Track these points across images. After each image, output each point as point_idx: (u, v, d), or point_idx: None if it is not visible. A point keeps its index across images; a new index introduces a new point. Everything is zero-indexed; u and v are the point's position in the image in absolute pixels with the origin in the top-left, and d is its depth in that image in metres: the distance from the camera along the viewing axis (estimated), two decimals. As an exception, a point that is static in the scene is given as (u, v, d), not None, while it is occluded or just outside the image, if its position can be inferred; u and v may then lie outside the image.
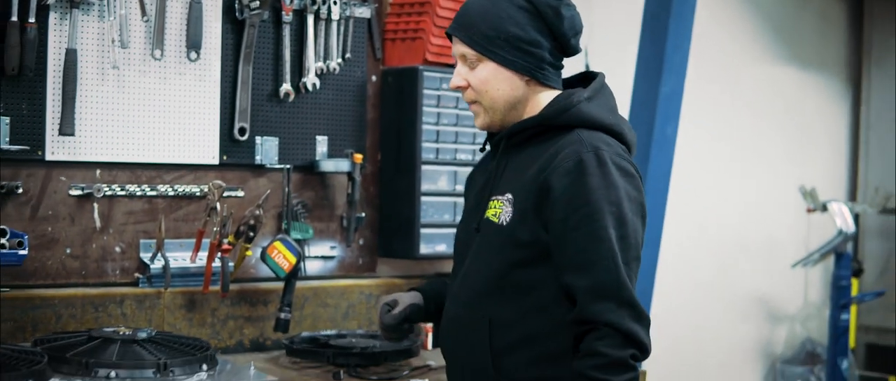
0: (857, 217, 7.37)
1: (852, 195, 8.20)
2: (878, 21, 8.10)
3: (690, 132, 6.26)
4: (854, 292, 7.35)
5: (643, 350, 2.82)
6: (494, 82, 3.00)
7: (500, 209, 2.95)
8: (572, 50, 3.04)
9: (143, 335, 3.33)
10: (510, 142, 3.05)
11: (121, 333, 3.26)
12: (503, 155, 3.06)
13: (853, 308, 7.37)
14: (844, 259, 7.15)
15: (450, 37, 3.11)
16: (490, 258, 2.96)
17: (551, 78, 3.03)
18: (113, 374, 3.04)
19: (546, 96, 3.03)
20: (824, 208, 7.22)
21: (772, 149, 7.58)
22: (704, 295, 7.06)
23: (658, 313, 5.67)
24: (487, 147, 3.20)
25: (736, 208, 7.30)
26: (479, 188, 3.12)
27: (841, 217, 7.13)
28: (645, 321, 2.82)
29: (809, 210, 7.32)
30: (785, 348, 7.75)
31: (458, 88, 3.09)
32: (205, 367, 3.20)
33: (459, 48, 3.05)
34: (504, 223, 2.92)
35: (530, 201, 2.90)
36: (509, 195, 2.95)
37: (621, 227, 2.85)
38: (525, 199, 2.91)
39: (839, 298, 7.17)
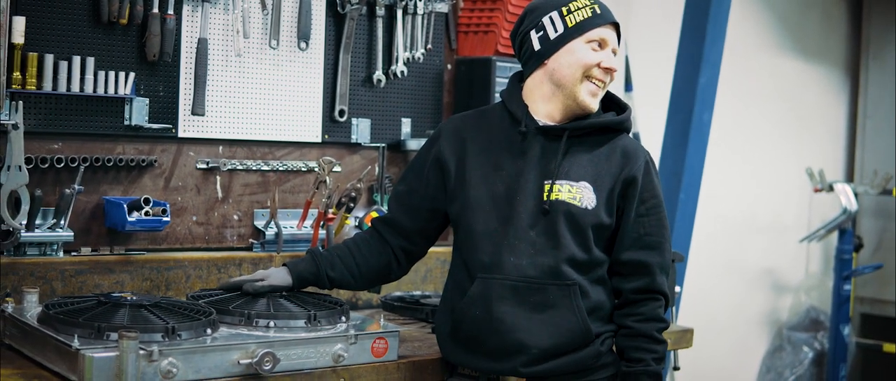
0: (856, 197, 7.74)
1: (850, 177, 8.57)
2: (877, 18, 8.48)
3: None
4: (853, 265, 7.78)
5: None
6: None
7: (579, 194, 3.37)
8: None
9: (273, 292, 3.68)
10: (573, 135, 3.45)
11: (257, 290, 3.58)
12: (563, 145, 3.42)
13: (852, 281, 7.81)
14: (847, 235, 7.59)
15: (601, 21, 3.43)
16: (572, 236, 3.37)
17: None
18: (271, 324, 3.41)
19: None
20: (831, 188, 7.63)
21: (778, 134, 7.93)
22: (720, 267, 7.44)
23: (686, 282, 6.16)
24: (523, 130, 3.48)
25: (746, 189, 7.67)
26: (520, 171, 3.42)
27: (845, 196, 7.55)
28: None
29: (816, 190, 7.72)
30: (790, 315, 8.18)
31: (610, 70, 3.44)
32: (343, 319, 3.60)
33: (616, 41, 3.47)
34: (588, 208, 3.37)
35: (616, 191, 3.41)
36: (586, 183, 3.40)
37: (667, 219, 3.52)
38: (609, 187, 3.40)
39: (842, 270, 7.61)
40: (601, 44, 3.42)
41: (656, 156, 6.18)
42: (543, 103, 3.48)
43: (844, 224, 7.60)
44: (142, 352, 3.01)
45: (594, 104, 3.45)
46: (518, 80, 3.59)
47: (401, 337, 3.77)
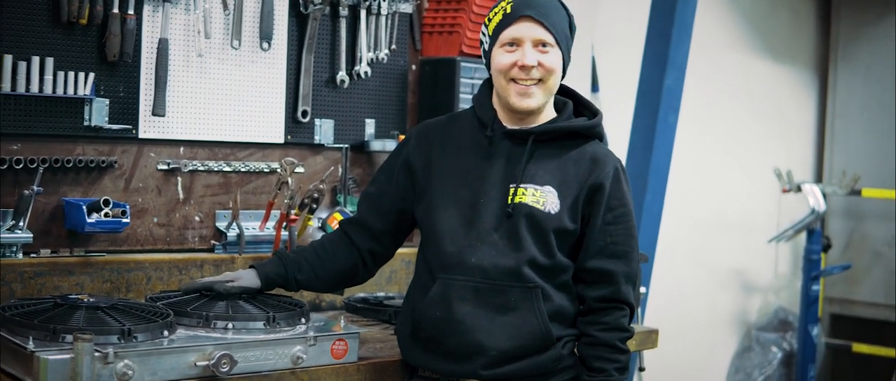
0: (825, 197, 7.75)
1: (819, 178, 8.58)
2: (845, 18, 8.49)
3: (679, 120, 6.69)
4: (822, 266, 7.80)
5: None
6: (557, 71, 3.41)
7: (543, 198, 3.37)
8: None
9: (244, 294, 3.68)
10: (539, 139, 3.44)
11: (228, 290, 3.59)
12: (529, 149, 3.41)
13: (821, 281, 7.82)
14: (815, 235, 7.60)
15: (510, 20, 3.36)
16: (534, 240, 3.36)
17: None
18: (230, 325, 3.38)
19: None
20: (798, 188, 7.65)
21: (747, 134, 7.93)
22: (688, 267, 7.45)
23: (653, 282, 6.17)
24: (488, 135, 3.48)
25: (715, 189, 7.67)
26: (485, 174, 3.42)
27: (813, 197, 7.56)
28: None
29: (785, 190, 7.74)
30: (759, 316, 8.19)
31: (526, 67, 3.33)
32: (303, 321, 3.58)
33: (538, 31, 3.34)
34: (551, 212, 3.36)
35: (582, 197, 3.39)
36: (551, 188, 3.38)
37: (635, 227, 3.50)
38: (574, 193, 3.38)
39: (810, 270, 7.62)
40: (515, 42, 3.37)
41: (622, 157, 6.19)
42: (503, 111, 3.49)
43: (812, 225, 7.62)
44: (97, 354, 3.00)
45: (526, 103, 3.39)
46: (490, 86, 3.57)
47: (362, 339, 3.77)
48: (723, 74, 7.65)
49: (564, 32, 3.42)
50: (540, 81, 3.38)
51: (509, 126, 3.46)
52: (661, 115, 5.67)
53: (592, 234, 3.40)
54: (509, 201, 3.37)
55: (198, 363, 3.19)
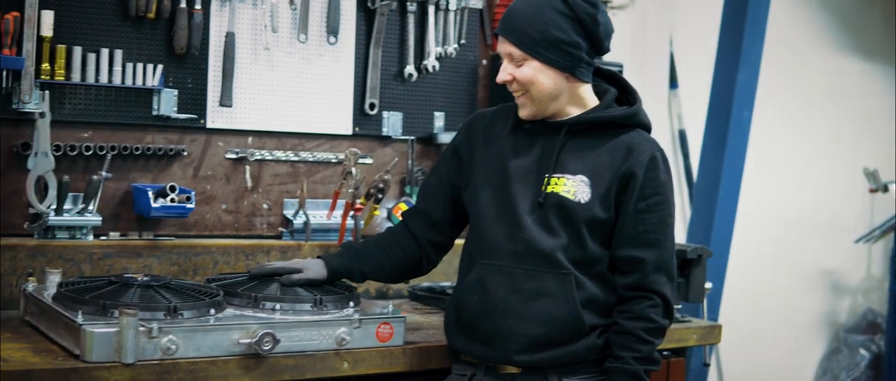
0: None
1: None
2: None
3: (765, 118, 6.64)
4: (912, 267, 7.63)
5: (671, 322, 3.50)
6: (539, 78, 3.42)
7: (574, 188, 3.42)
8: (605, 50, 3.49)
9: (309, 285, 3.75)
10: (572, 129, 3.49)
11: (293, 283, 3.66)
12: (561, 139, 3.47)
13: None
14: (903, 237, 7.52)
15: (496, 36, 3.50)
16: (565, 229, 3.41)
17: (586, 74, 3.49)
18: (277, 307, 3.50)
19: (584, 90, 3.52)
20: (885, 188, 7.54)
21: (835, 133, 7.83)
22: (777, 267, 7.39)
23: (735, 280, 6.16)
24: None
25: (804, 188, 7.60)
26: (522, 164, 3.49)
27: (900, 197, 7.48)
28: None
29: (872, 190, 7.63)
30: (848, 317, 8.08)
31: (504, 82, 3.46)
32: (351, 304, 3.69)
33: (507, 48, 3.44)
34: (581, 201, 3.41)
35: (614, 186, 3.42)
36: (583, 177, 3.43)
37: (673, 217, 3.51)
38: (607, 183, 3.42)
39: (898, 272, 7.51)
40: (502, 59, 3.49)
41: (696, 154, 6.20)
42: None
43: (900, 225, 7.51)
44: (142, 329, 3.13)
45: (522, 113, 3.50)
46: None
47: (419, 325, 3.86)
48: (811, 73, 7.59)
49: (543, 40, 3.41)
50: (526, 92, 3.46)
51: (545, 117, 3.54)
52: (734, 110, 5.67)
53: (625, 222, 3.44)
54: (542, 190, 3.43)
55: (241, 341, 3.30)
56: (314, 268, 3.71)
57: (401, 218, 3.87)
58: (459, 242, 3.79)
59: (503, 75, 3.47)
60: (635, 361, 3.39)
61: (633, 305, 3.43)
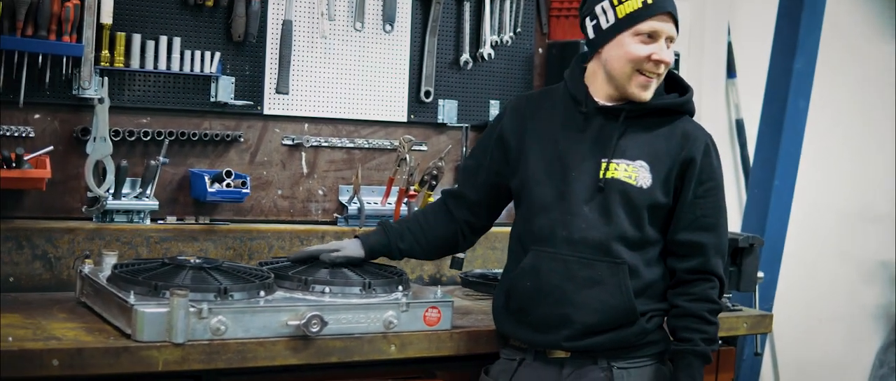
0: None
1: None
2: None
3: (822, 107, 6.56)
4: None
5: None
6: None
7: (635, 173, 3.44)
8: None
9: (348, 264, 3.85)
10: (630, 115, 3.51)
11: (333, 260, 3.72)
12: (621, 125, 3.48)
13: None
14: (960, 230, 7.43)
15: (653, 11, 3.40)
16: (626, 214, 3.43)
17: None
18: (327, 289, 3.56)
19: None
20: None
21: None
22: (834, 258, 7.34)
23: (791, 271, 6.13)
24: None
25: (863, 179, 7.52)
26: (576, 150, 3.50)
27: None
28: None
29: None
30: (906, 310, 8.02)
31: (660, 63, 3.41)
32: (400, 288, 3.73)
33: (672, 29, 3.44)
34: (643, 187, 3.44)
35: (674, 171, 3.46)
36: (643, 163, 3.46)
37: (725, 202, 3.57)
38: (667, 168, 3.46)
39: (954, 264, 7.43)
40: (652, 35, 3.41)
41: (754, 143, 6.18)
42: (601, 87, 3.54)
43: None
44: (192, 309, 3.21)
45: (645, 95, 3.46)
46: (581, 61, 3.65)
47: (469, 310, 3.89)
48: (868, 62, 7.48)
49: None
50: (660, 74, 3.48)
51: (602, 102, 3.54)
52: (790, 99, 5.66)
53: (683, 207, 3.47)
54: (601, 176, 3.45)
55: (289, 323, 3.36)
56: (351, 247, 3.77)
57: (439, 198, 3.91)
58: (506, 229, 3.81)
59: (670, 55, 3.45)
60: (703, 342, 3.43)
61: (694, 287, 3.46)
